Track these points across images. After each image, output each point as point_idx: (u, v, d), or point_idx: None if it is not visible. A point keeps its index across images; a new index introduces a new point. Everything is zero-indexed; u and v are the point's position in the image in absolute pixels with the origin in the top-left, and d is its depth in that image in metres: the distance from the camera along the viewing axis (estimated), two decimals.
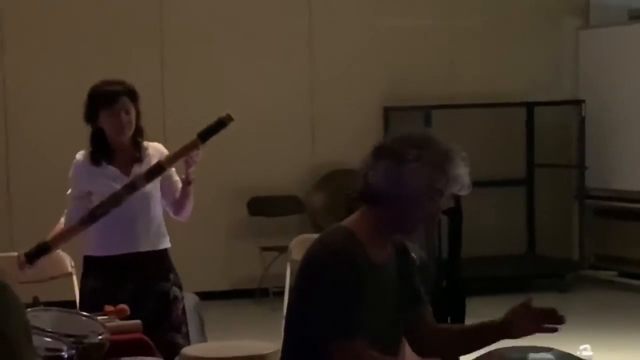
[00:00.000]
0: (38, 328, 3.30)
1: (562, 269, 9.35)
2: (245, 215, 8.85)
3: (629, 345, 7.10)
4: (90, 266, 4.48)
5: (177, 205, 4.47)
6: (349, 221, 2.99)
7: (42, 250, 4.37)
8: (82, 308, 4.25)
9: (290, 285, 3.07)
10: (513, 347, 3.02)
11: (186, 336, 4.44)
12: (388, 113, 9.28)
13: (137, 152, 4.43)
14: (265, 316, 7.92)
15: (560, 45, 9.85)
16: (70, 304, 4.70)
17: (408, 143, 2.88)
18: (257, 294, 8.72)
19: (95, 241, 4.41)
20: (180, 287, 4.52)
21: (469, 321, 3.01)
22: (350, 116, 9.17)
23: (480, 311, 8.15)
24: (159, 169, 4.34)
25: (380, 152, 2.90)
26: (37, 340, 3.22)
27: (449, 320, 2.83)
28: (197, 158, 4.31)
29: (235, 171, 8.75)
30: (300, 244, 5.42)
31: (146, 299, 4.38)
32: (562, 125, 9.82)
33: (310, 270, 2.93)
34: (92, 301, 4.27)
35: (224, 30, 8.90)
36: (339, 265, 2.84)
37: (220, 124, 4.33)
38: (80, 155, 4.46)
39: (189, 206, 4.48)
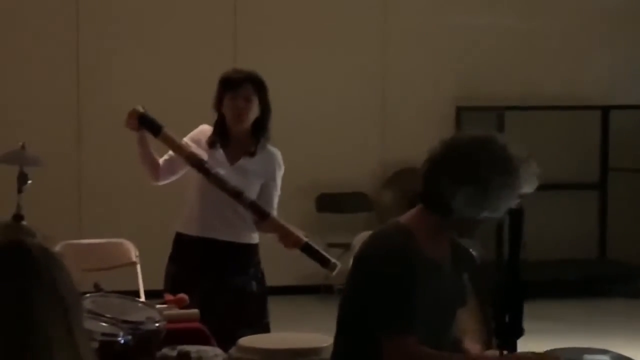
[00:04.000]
0: (95, 313, 3.33)
1: (634, 275, 9.18)
2: (313, 211, 8.84)
3: None
4: (176, 247, 4.51)
5: (254, 221, 4.47)
6: (405, 217, 2.97)
7: (155, 126, 4.34)
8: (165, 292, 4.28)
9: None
10: (568, 349, 2.98)
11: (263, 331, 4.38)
12: (460, 113, 9.20)
13: (252, 146, 4.42)
14: (329, 313, 7.89)
15: (639, 47, 9.67)
16: (133, 294, 4.73)
17: (492, 166, 2.82)
18: (322, 290, 8.71)
19: (186, 218, 4.45)
20: (260, 283, 4.52)
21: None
22: (421, 115, 9.10)
23: (551, 314, 8.11)
24: (263, 215, 4.36)
25: (459, 171, 2.83)
26: (94, 325, 3.26)
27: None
28: (286, 246, 4.39)
29: (304, 167, 8.73)
30: None
31: (222, 292, 4.39)
32: (638, 129, 9.64)
33: (363, 265, 2.91)
34: (171, 288, 4.32)
35: (297, 26, 8.90)
36: (393, 260, 2.82)
37: (324, 262, 4.44)
38: (207, 127, 4.49)
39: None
